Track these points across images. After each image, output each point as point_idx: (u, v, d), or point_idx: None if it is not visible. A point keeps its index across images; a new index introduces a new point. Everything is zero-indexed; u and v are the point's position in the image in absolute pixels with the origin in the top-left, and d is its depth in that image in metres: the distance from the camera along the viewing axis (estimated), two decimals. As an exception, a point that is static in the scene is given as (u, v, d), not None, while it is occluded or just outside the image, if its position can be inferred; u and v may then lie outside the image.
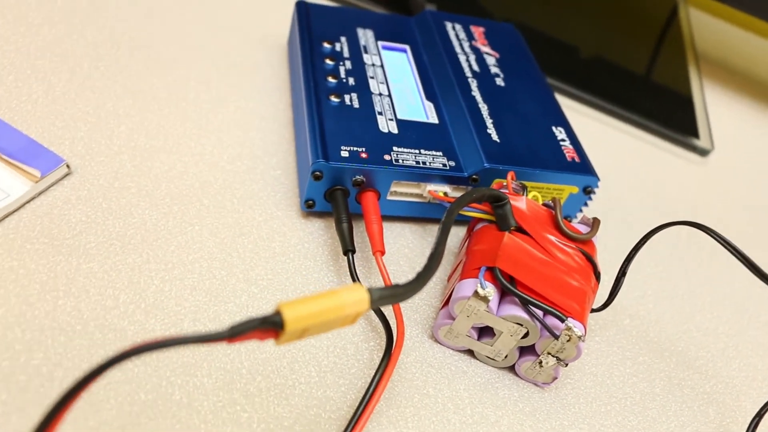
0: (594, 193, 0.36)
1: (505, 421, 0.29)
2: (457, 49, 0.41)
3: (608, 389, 0.32)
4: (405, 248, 0.35)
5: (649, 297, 0.38)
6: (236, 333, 0.19)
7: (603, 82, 0.52)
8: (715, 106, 0.58)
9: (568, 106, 0.50)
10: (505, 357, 0.31)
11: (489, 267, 0.29)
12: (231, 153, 0.36)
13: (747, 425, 0.32)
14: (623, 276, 0.32)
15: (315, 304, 0.20)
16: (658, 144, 0.50)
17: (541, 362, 0.30)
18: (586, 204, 0.37)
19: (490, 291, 0.28)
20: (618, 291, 0.32)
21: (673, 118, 0.51)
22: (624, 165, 0.47)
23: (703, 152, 0.49)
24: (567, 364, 0.29)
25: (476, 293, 0.28)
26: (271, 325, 0.20)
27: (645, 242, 0.32)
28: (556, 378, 0.30)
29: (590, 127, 0.49)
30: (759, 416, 0.32)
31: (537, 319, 0.28)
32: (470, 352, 0.31)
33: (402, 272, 0.34)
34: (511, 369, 0.31)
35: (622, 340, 0.35)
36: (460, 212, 0.30)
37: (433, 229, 0.36)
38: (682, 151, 0.50)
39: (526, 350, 0.30)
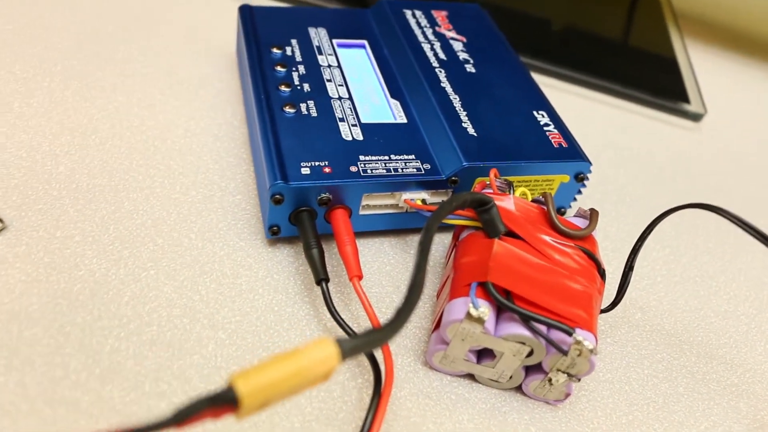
0: (587, 179, 0.33)
1: (518, 449, 0.26)
2: (420, 38, 0.37)
3: (627, 396, 0.29)
4: (386, 265, 0.31)
5: (658, 284, 0.34)
6: (183, 417, 0.16)
7: (580, 54, 0.48)
8: (702, 65, 0.55)
9: (546, 84, 0.47)
10: (510, 378, 0.27)
11: (480, 282, 0.26)
12: (184, 182, 0.32)
13: (784, 418, 0.29)
14: (631, 271, 0.29)
15: (275, 370, 0.17)
16: (647, 114, 0.47)
17: (550, 380, 0.27)
18: (579, 192, 0.33)
19: (485, 311, 0.25)
20: (626, 288, 0.29)
21: (660, 83, 0.47)
22: (613, 141, 0.44)
23: (696, 117, 0.46)
24: (579, 379, 0.26)
25: (469, 315, 0.25)
26: (224, 402, 0.16)
27: (651, 231, 0.29)
28: (569, 394, 0.27)
29: (572, 104, 0.46)
30: (797, 407, 0.29)
31: (541, 335, 0.25)
32: (471, 376, 0.28)
33: (386, 293, 0.30)
34: (518, 389, 0.28)
35: (635, 337, 0.32)
36: (442, 221, 0.26)
37: (415, 240, 0.33)
38: (674, 118, 0.46)
39: (533, 368, 0.27)
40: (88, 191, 0.31)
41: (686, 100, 0.46)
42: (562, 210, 0.34)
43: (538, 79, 0.46)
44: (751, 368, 0.32)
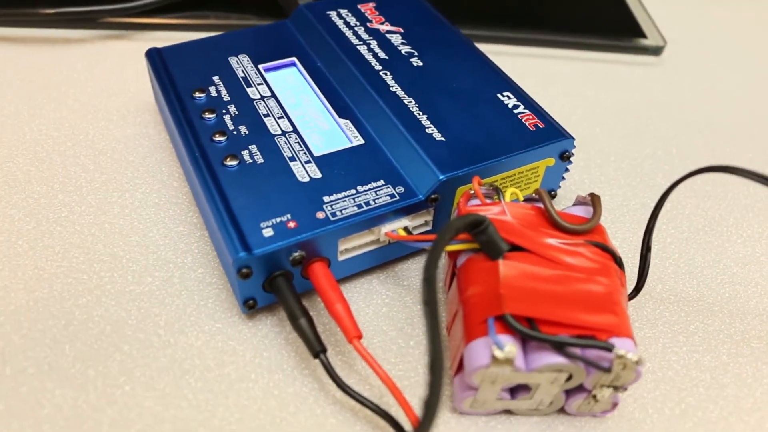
0: (573, 155, 0.30)
1: (579, 479, 0.24)
2: (353, 40, 0.33)
3: (673, 383, 0.27)
4: (381, 307, 0.28)
5: (669, 246, 0.32)
6: None
7: (519, 11, 0.45)
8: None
9: (493, 52, 0.43)
10: (551, 403, 0.25)
11: (497, 316, 0.23)
12: (135, 270, 0.28)
13: (839, 362, 0.27)
14: (648, 252, 0.26)
15: None
16: (605, 59, 0.44)
17: (595, 396, 0.24)
18: (567, 170, 0.30)
19: (511, 349, 0.22)
20: (647, 271, 0.27)
21: (611, 23, 0.44)
22: (579, 98, 0.41)
23: (657, 50, 0.43)
24: (626, 389, 0.24)
25: (495, 358, 0.22)
26: None
27: (662, 205, 0.26)
28: (616, 404, 0.25)
29: (525, 68, 0.43)
30: None
31: (578, 358, 0.22)
32: (507, 411, 0.25)
33: (389, 339, 0.27)
34: (561, 410, 0.25)
35: (663, 313, 0.29)
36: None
37: (405, 269, 0.30)
38: (634, 56, 0.43)
39: (574, 389, 0.24)
40: (29, 309, 0.27)
41: (642, 34, 0.43)
42: (553, 193, 0.31)
43: (484, 48, 0.43)
44: (788, 313, 0.30)
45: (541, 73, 0.42)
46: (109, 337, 0.26)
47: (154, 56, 0.33)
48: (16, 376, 0.25)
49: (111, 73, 0.38)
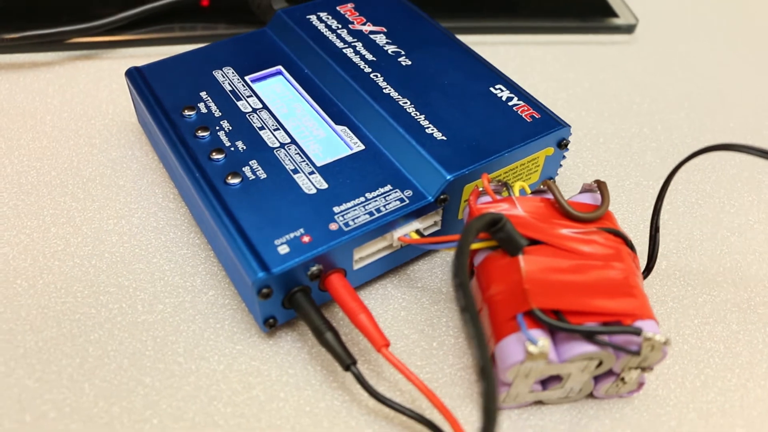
0: (569, 142, 0.30)
1: (614, 461, 0.24)
2: (338, 44, 0.33)
3: (690, 356, 0.27)
4: (400, 311, 0.28)
5: (667, 223, 0.33)
6: None
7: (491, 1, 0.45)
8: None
9: (469, 43, 0.43)
10: (580, 390, 0.25)
11: (525, 312, 0.23)
12: (144, 298, 0.28)
13: (843, 320, 0.28)
14: (657, 232, 0.27)
15: None
16: (581, 41, 0.44)
17: (623, 378, 0.24)
18: (564, 157, 0.31)
19: (545, 343, 0.22)
20: (657, 251, 0.27)
21: (583, 5, 0.45)
22: (560, 82, 0.41)
23: (629, 29, 0.44)
24: (652, 368, 0.24)
25: (529, 353, 0.22)
26: None
27: (667, 188, 0.26)
28: (642, 384, 0.25)
29: (506, 57, 0.43)
30: None
31: (608, 345, 0.22)
32: (537, 402, 0.26)
33: (413, 343, 0.27)
34: (589, 395, 0.26)
35: (672, 289, 0.30)
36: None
37: (417, 270, 0.30)
38: (608, 36, 0.44)
39: (602, 373, 0.25)
40: (40, 351, 0.26)
41: (613, 14, 0.44)
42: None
43: (460, 40, 0.43)
44: (787, 276, 0.31)
45: (520, 60, 0.42)
46: (128, 371, 0.26)
47: (135, 75, 0.32)
48: (38, 422, 0.24)
49: (86, 95, 0.37)
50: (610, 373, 0.24)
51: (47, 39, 0.39)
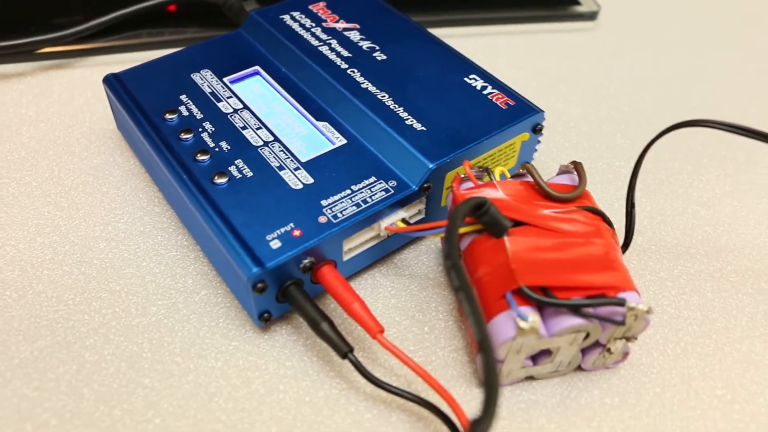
0: (543, 127, 0.31)
1: (605, 427, 0.25)
2: (314, 42, 0.34)
3: (669, 325, 0.29)
4: (390, 299, 0.29)
5: (640, 201, 0.34)
6: None
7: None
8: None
9: (439, 36, 0.44)
10: (569, 363, 0.26)
11: (514, 290, 0.24)
12: (136, 302, 0.28)
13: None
14: (633, 208, 0.28)
15: None
16: (545, 29, 0.45)
17: (609, 349, 0.25)
18: (539, 142, 0.32)
19: (535, 318, 0.23)
20: (634, 226, 0.28)
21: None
22: (529, 70, 0.42)
23: (592, 15, 0.45)
24: (636, 338, 0.25)
25: (520, 329, 0.23)
26: None
27: (640, 165, 0.27)
28: (627, 353, 0.26)
29: (474, 48, 0.44)
30: (821, 270, 0.29)
31: (594, 317, 0.23)
32: (529, 377, 0.26)
33: (404, 328, 0.28)
34: (577, 368, 0.27)
35: (648, 263, 0.31)
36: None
37: (404, 258, 0.30)
38: (572, 24, 0.45)
39: (589, 346, 0.26)
40: (35, 360, 0.26)
41: (576, 2, 0.45)
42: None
43: (434, 33, 0.44)
44: (752, 243, 0.32)
45: (489, 51, 0.43)
46: (127, 374, 0.26)
47: (113, 82, 0.32)
48: (40, 430, 0.24)
49: (61, 105, 0.37)
50: (596, 344, 0.25)
51: (17, 50, 0.39)
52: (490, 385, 0.17)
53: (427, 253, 0.31)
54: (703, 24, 0.48)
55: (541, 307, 0.24)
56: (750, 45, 0.46)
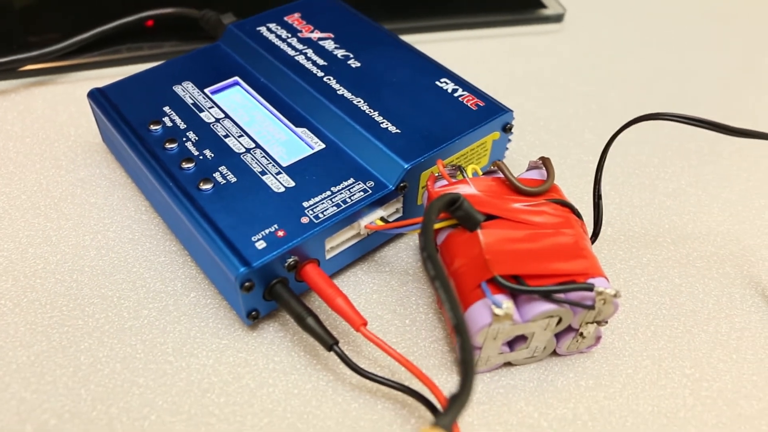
0: (513, 126, 0.32)
1: (581, 408, 0.27)
2: (290, 52, 0.35)
3: (640, 310, 0.30)
4: (372, 294, 0.30)
5: (609, 194, 0.35)
6: None
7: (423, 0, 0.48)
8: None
9: (410, 42, 0.46)
10: (544, 348, 0.27)
11: (488, 279, 0.25)
12: (128, 306, 0.29)
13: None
14: (600, 199, 0.30)
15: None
16: (513, 33, 0.47)
17: (581, 333, 0.27)
18: (509, 140, 0.33)
19: (509, 305, 0.24)
20: (602, 216, 0.30)
21: (512, 0, 0.48)
22: (498, 74, 0.44)
23: (558, 18, 0.47)
24: (607, 322, 0.27)
25: (495, 316, 0.24)
26: None
27: (605, 158, 0.29)
28: (599, 337, 0.28)
29: (444, 54, 0.45)
30: (779, 252, 0.31)
31: (565, 302, 0.25)
32: (507, 363, 0.28)
33: (387, 322, 0.29)
34: (553, 353, 0.28)
35: (618, 252, 0.32)
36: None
37: (384, 256, 0.32)
38: (539, 27, 0.47)
39: (563, 331, 0.27)
40: (33, 364, 0.27)
41: (542, 5, 0.47)
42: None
43: (406, 40, 0.45)
44: (715, 230, 0.34)
45: (459, 55, 0.45)
46: (122, 374, 0.27)
47: (98, 96, 0.33)
48: (40, 430, 0.25)
49: (45, 120, 0.38)
50: (569, 329, 0.27)
51: (0, 68, 0.40)
52: (466, 362, 0.18)
53: (406, 250, 0.32)
54: (664, 23, 0.50)
55: (514, 295, 0.25)
56: (709, 42, 0.48)
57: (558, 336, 0.27)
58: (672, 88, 0.43)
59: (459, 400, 0.18)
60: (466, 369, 0.18)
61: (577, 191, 0.35)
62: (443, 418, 0.17)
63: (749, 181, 0.37)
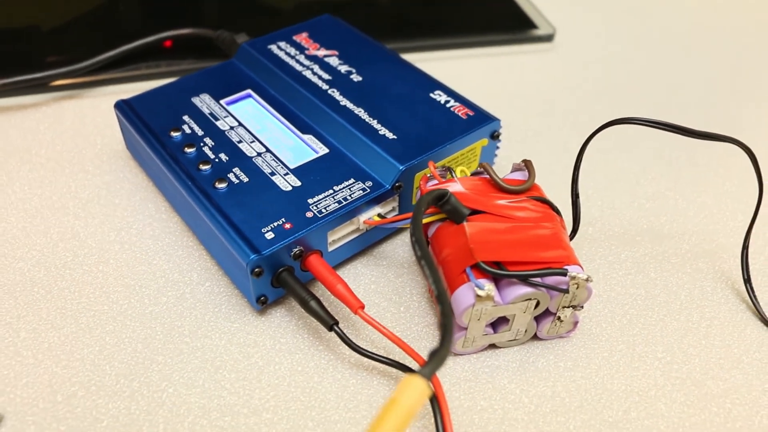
0: (500, 133, 0.35)
1: (560, 387, 0.29)
2: (298, 67, 0.38)
3: (617, 301, 0.33)
4: (370, 284, 0.33)
5: (592, 196, 0.38)
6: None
7: (422, 22, 0.51)
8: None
9: (410, 60, 0.49)
10: (525, 332, 0.30)
11: (472, 265, 0.28)
12: (149, 294, 0.32)
13: (739, 258, 0.34)
14: (578, 198, 0.32)
15: (388, 426, 0.18)
16: (505, 51, 0.50)
17: (559, 318, 0.29)
18: (498, 147, 0.36)
19: (490, 287, 0.27)
20: (580, 214, 0.33)
21: (504, 20, 0.51)
22: (490, 90, 0.47)
23: (549, 38, 0.50)
24: (582, 307, 0.29)
25: (478, 296, 0.27)
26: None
27: (581, 159, 0.32)
28: (577, 322, 0.30)
29: (439, 71, 0.49)
30: (745, 248, 0.33)
31: (542, 286, 0.27)
32: (492, 345, 0.31)
33: (385, 309, 0.32)
34: (534, 337, 0.31)
35: (598, 250, 0.35)
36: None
37: (382, 250, 0.35)
38: (530, 46, 0.50)
39: (542, 315, 0.30)
40: (63, 344, 0.30)
41: (533, 26, 0.50)
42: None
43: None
44: (691, 230, 0.36)
45: (454, 72, 0.48)
46: (142, 353, 0.30)
47: (123, 107, 0.37)
48: (69, 400, 0.28)
49: (74, 131, 0.42)
50: (548, 313, 0.29)
51: (33, 83, 0.43)
52: (445, 325, 0.21)
53: (402, 246, 0.35)
54: (646, 41, 0.53)
55: (497, 280, 0.28)
56: (694, 58, 0.51)
57: (538, 320, 0.30)
58: (655, 100, 0.46)
59: (439, 354, 0.20)
60: (446, 329, 0.21)
61: (564, 195, 0.38)
62: (424, 368, 0.20)
63: (724, 185, 0.39)
